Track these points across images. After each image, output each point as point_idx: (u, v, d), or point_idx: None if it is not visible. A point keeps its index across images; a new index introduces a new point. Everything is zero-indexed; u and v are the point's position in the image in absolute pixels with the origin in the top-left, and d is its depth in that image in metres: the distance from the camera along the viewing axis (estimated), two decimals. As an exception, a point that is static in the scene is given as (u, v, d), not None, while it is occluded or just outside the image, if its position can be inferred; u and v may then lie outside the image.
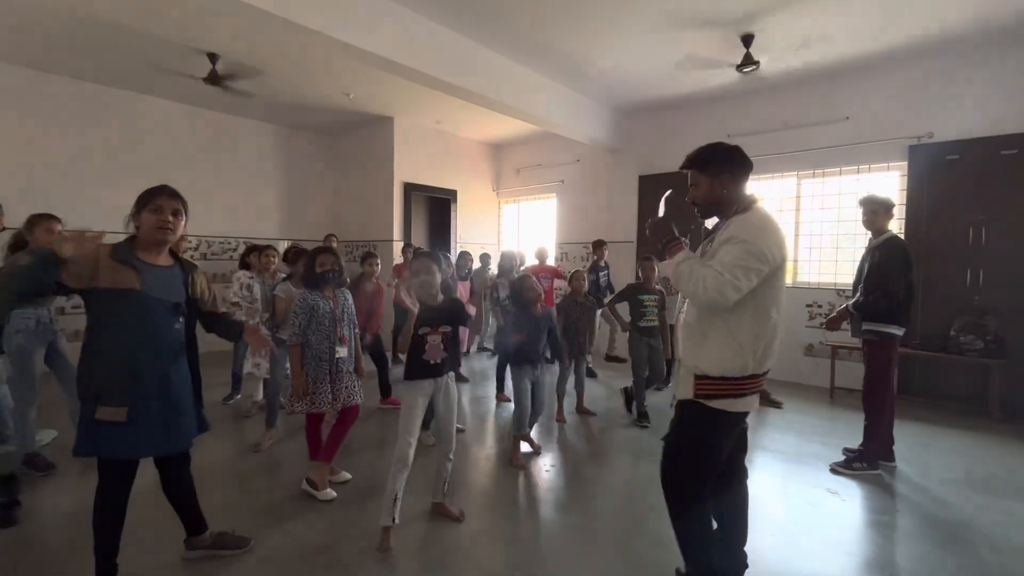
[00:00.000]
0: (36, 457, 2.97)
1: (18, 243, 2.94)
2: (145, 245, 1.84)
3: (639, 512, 2.64)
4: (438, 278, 2.37)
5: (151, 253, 1.85)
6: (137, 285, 1.75)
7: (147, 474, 1.97)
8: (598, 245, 5.90)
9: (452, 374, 2.45)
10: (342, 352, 2.79)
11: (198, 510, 2.15)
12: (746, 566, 1.96)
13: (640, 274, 4.23)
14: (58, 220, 2.91)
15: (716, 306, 1.63)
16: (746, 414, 1.79)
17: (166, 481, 2.07)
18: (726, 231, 1.70)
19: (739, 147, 1.80)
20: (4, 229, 3.32)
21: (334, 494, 2.74)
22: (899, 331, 3.10)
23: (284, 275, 3.68)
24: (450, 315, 2.40)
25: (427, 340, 2.31)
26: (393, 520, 2.24)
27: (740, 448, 1.93)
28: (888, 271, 3.04)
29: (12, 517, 2.42)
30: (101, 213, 5.24)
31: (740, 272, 1.59)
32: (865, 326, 3.17)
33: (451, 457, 2.48)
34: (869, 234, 3.27)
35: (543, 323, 3.41)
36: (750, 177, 1.81)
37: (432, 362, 2.33)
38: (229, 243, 6.86)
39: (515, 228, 8.77)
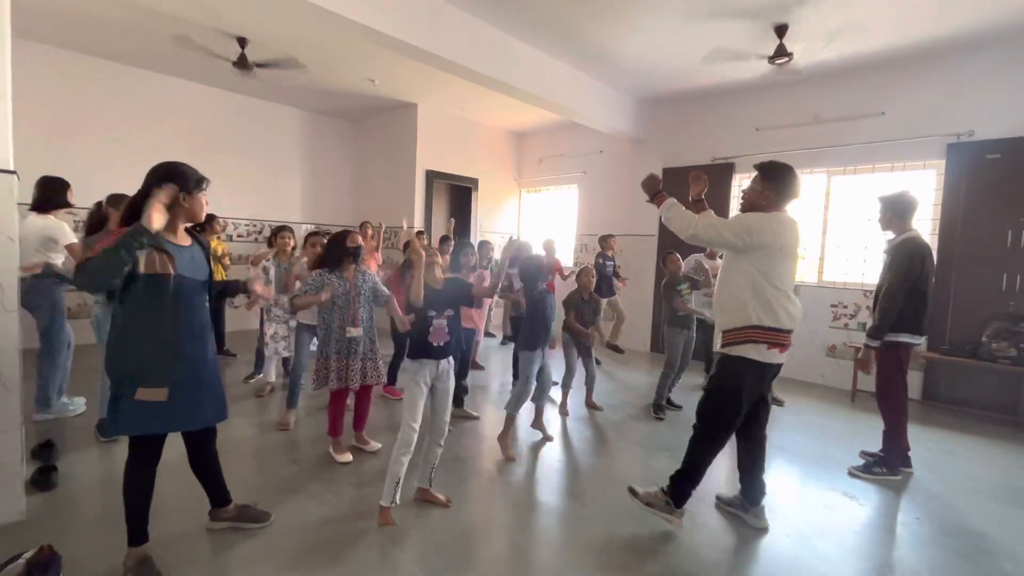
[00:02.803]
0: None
1: (97, 221, 3.15)
2: (175, 224, 1.86)
3: (651, 506, 2.65)
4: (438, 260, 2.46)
5: (176, 234, 1.89)
6: (172, 270, 1.80)
7: (172, 448, 2.05)
8: (605, 238, 6.18)
9: (451, 360, 2.46)
10: (354, 332, 2.87)
11: (223, 483, 2.24)
12: (764, 493, 2.49)
13: (665, 268, 4.20)
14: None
15: (694, 239, 2.26)
16: (766, 367, 2.24)
17: (193, 455, 2.15)
18: None
19: (790, 178, 2.25)
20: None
21: (350, 458, 3.01)
22: (911, 339, 2.98)
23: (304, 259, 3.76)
24: (453, 298, 2.44)
25: (432, 322, 2.34)
26: (394, 501, 2.34)
27: (763, 408, 2.45)
28: (887, 279, 2.96)
29: (50, 481, 2.54)
30: (127, 191, 5.40)
31: (723, 227, 2.21)
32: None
33: (441, 443, 2.51)
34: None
35: (551, 307, 3.46)
36: (793, 195, 2.28)
37: (436, 344, 2.36)
38: (255, 225, 7.00)
39: (536, 218, 8.73)
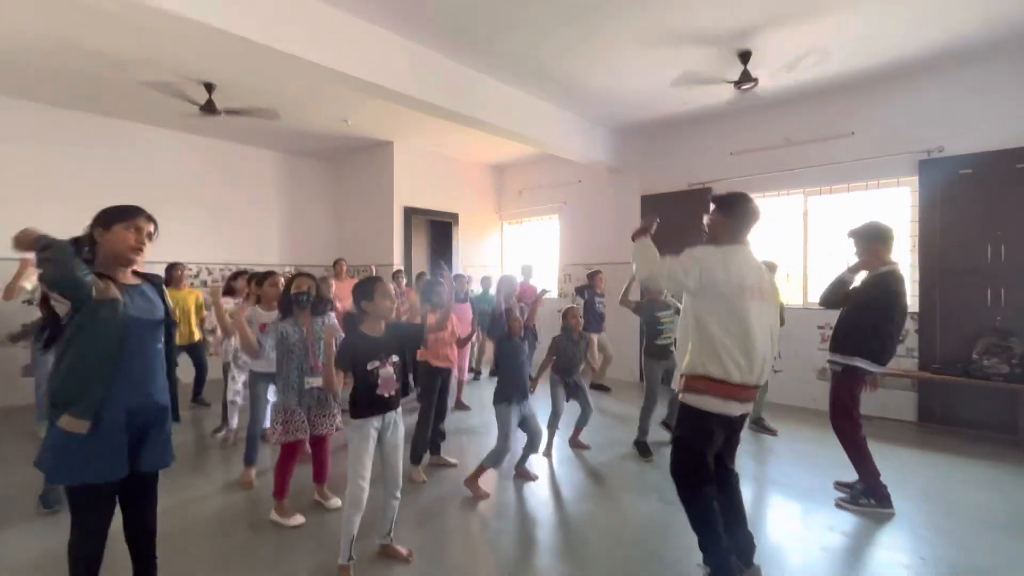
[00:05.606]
0: (52, 492, 2.85)
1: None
2: (107, 265, 1.74)
3: (640, 559, 2.45)
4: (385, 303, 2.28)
5: (116, 274, 1.75)
6: (120, 296, 1.68)
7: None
8: (594, 275, 6.02)
9: (399, 411, 2.34)
10: (315, 382, 2.70)
11: (154, 557, 2.00)
12: (753, 547, 2.22)
13: (647, 294, 4.08)
14: None
15: (649, 281, 2.22)
16: (726, 418, 2.07)
17: (129, 521, 1.93)
18: None
19: (746, 208, 2.15)
20: None
21: (302, 519, 2.74)
22: (865, 364, 2.88)
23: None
24: (399, 343, 2.32)
25: (378, 374, 2.20)
26: (350, 558, 2.20)
27: (728, 455, 2.25)
28: (871, 316, 2.89)
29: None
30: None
31: (677, 264, 2.07)
32: (831, 357, 3.04)
33: (398, 496, 2.35)
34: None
35: (524, 353, 3.28)
36: (752, 219, 2.15)
37: (386, 395, 2.22)
38: (230, 269, 6.84)
39: (519, 250, 8.67)
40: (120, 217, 1.75)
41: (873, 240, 2.97)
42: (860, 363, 2.88)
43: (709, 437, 2.09)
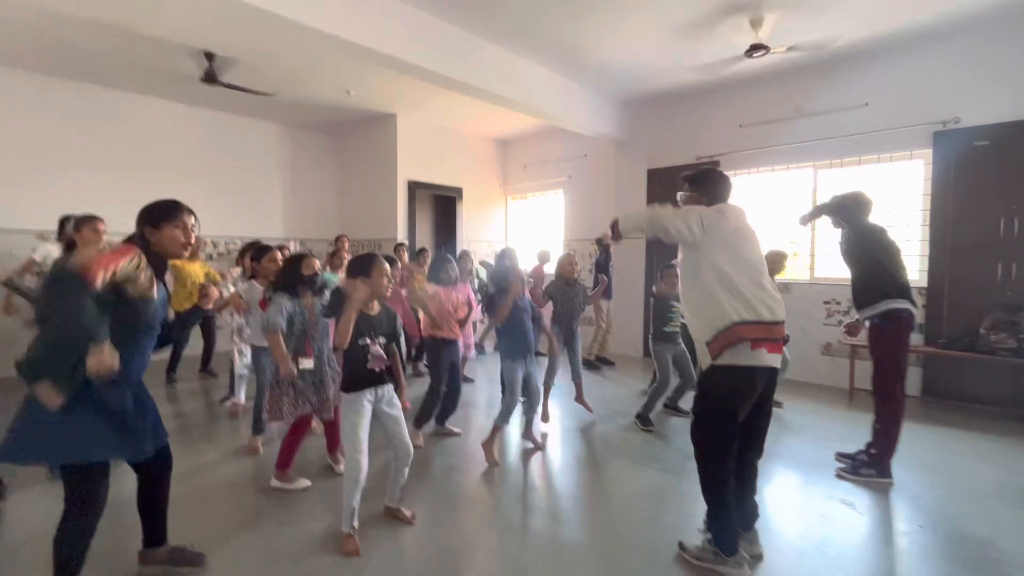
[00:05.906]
0: None
1: (69, 245, 3.18)
2: (156, 260, 1.81)
3: (636, 524, 2.49)
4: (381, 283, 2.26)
5: (159, 266, 1.84)
6: (155, 295, 1.76)
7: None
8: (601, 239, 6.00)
9: (391, 384, 2.35)
10: (306, 364, 2.70)
11: (164, 522, 2.06)
12: (757, 515, 2.22)
13: (663, 282, 4.06)
14: (101, 220, 3.22)
15: (652, 223, 2.11)
16: (754, 371, 1.98)
17: (143, 488, 1.99)
18: None
19: (719, 178, 2.24)
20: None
21: (308, 483, 2.81)
22: (900, 304, 2.84)
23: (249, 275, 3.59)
24: (389, 328, 2.33)
25: (368, 350, 2.21)
26: (353, 527, 2.23)
27: (763, 418, 2.14)
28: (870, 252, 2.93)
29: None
30: (107, 216, 5.26)
31: (678, 214, 2.08)
32: (861, 314, 3.01)
33: (408, 464, 2.39)
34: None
35: (524, 311, 3.38)
36: (727, 190, 2.23)
37: (377, 370, 2.23)
38: (234, 243, 6.86)
39: (524, 225, 8.61)
40: (167, 216, 1.82)
41: (852, 206, 3.01)
42: (894, 304, 2.84)
43: (733, 394, 2.00)
